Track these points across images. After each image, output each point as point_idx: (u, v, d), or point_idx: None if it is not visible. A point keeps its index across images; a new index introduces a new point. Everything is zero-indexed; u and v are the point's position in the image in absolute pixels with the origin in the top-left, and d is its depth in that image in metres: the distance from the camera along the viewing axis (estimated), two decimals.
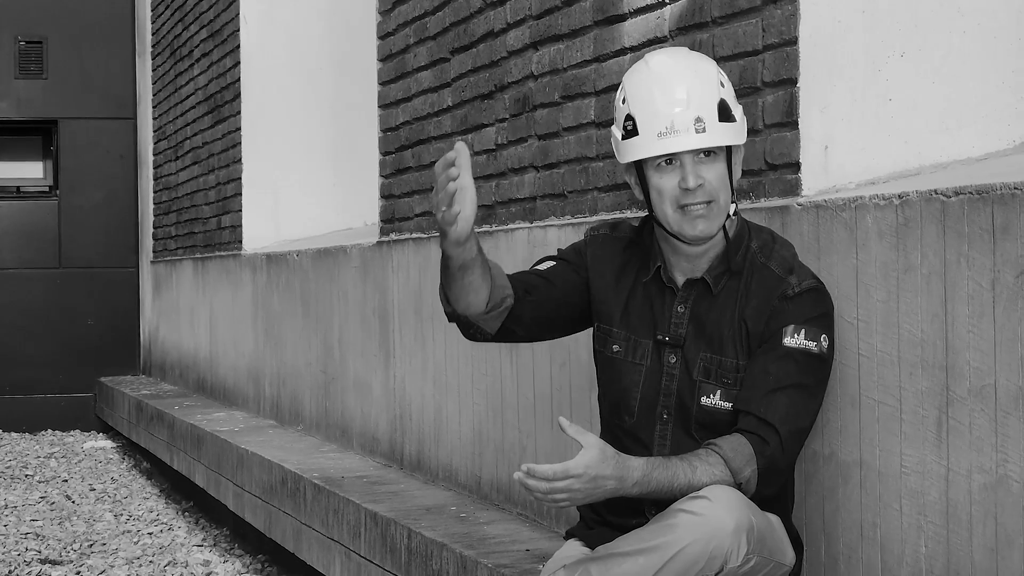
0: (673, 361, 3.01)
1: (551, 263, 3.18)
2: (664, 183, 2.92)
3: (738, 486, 2.83)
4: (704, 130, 2.87)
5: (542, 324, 3.18)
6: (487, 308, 3.04)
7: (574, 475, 2.74)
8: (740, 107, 3.00)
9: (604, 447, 2.78)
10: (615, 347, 3.09)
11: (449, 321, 3.13)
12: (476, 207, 2.84)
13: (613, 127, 3.03)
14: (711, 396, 2.97)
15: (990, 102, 3.38)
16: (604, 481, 2.77)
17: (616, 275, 3.13)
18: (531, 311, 3.12)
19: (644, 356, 3.05)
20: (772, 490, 2.91)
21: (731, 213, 2.98)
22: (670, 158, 2.91)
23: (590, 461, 2.75)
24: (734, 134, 2.93)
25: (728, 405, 2.95)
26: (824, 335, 2.92)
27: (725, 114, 2.91)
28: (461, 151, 2.79)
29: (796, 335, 2.89)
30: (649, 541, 2.76)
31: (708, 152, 2.91)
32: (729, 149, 2.96)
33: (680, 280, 3.05)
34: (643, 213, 3.75)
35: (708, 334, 2.99)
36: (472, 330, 3.10)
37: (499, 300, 3.05)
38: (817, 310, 2.93)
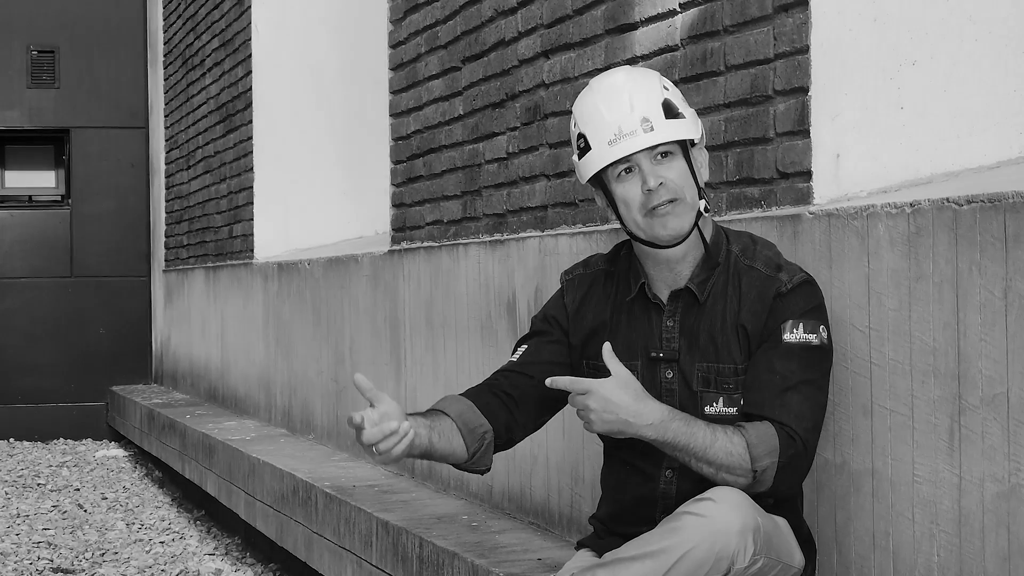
0: (670, 376, 3.02)
1: (524, 346, 3.20)
2: (627, 191, 2.96)
3: (753, 473, 2.82)
4: (652, 129, 2.92)
5: (541, 412, 3.20)
6: (470, 455, 3.09)
7: (590, 391, 2.81)
8: (691, 108, 3.03)
9: (630, 381, 2.84)
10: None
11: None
12: (406, 442, 2.91)
13: (573, 156, 3.07)
14: (714, 404, 2.97)
15: (1002, 110, 3.38)
16: (617, 409, 2.81)
17: (595, 309, 3.15)
18: (525, 409, 3.15)
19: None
20: (789, 489, 2.90)
21: (702, 210, 2.99)
22: (629, 167, 2.95)
23: (607, 385, 2.81)
24: (684, 129, 2.96)
25: (732, 411, 2.95)
26: (822, 326, 2.93)
27: (671, 112, 2.95)
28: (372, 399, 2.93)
29: (795, 330, 2.90)
30: (655, 544, 2.76)
31: (665, 153, 2.94)
32: (686, 148, 2.97)
33: (665, 294, 3.05)
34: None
35: (702, 344, 2.99)
36: (472, 472, 3.17)
37: (479, 439, 3.08)
38: (811, 303, 2.94)
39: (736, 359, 2.96)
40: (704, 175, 3.04)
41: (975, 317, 2.74)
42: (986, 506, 2.73)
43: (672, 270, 3.03)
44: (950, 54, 3.34)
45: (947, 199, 2.82)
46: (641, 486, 3.04)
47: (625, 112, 2.93)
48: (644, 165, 2.93)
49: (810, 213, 3.23)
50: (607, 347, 2.86)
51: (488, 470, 3.18)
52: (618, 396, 2.80)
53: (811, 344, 2.89)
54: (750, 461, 2.81)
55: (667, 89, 2.99)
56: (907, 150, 3.31)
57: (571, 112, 4.31)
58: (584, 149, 2.99)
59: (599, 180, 3.02)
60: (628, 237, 3.08)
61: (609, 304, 3.12)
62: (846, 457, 3.11)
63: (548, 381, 2.86)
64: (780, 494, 2.89)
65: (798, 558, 2.94)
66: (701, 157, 3.04)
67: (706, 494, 2.79)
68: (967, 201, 2.77)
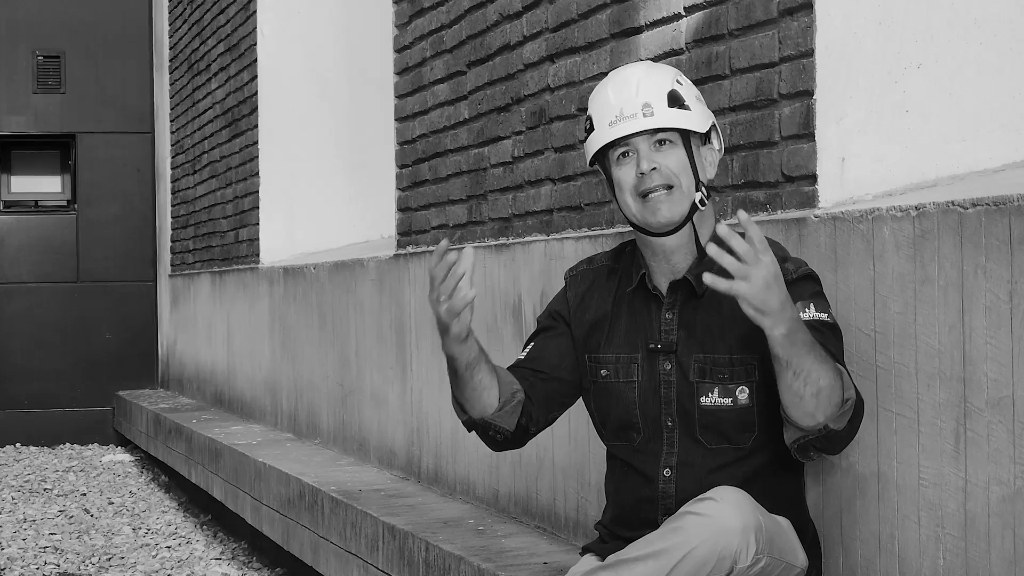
0: (668, 368, 3.02)
1: (531, 344, 3.21)
2: (623, 174, 3.00)
3: (844, 402, 2.75)
4: (652, 114, 2.96)
5: (551, 407, 3.18)
6: (500, 405, 3.07)
7: (768, 252, 2.62)
8: (704, 107, 3.03)
9: None
10: (603, 372, 3.11)
11: (468, 431, 3.16)
12: (472, 309, 2.88)
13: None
14: (709, 395, 2.97)
15: (1007, 113, 3.38)
16: (780, 285, 2.63)
17: (597, 303, 3.16)
18: (536, 402, 3.14)
19: (635, 371, 3.06)
20: (847, 439, 2.83)
21: (698, 202, 2.98)
22: (627, 151, 2.99)
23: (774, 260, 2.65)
24: (686, 119, 2.97)
25: (727, 401, 2.95)
26: (829, 307, 2.93)
27: (676, 102, 2.97)
28: (467, 256, 2.90)
29: (808, 309, 2.90)
30: (657, 545, 2.77)
31: (664, 141, 2.97)
32: (688, 140, 2.98)
33: (664, 285, 3.06)
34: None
35: (699, 336, 3.00)
36: (491, 431, 3.11)
37: (510, 395, 3.07)
38: (816, 288, 2.95)
39: (732, 349, 2.95)
40: (709, 173, 3.05)
41: (980, 320, 2.74)
42: (992, 509, 2.73)
43: (669, 261, 3.04)
44: (955, 57, 3.34)
45: (952, 202, 2.82)
46: (641, 487, 3.05)
47: (630, 96, 2.97)
48: (641, 149, 2.97)
49: (815, 216, 3.23)
50: (743, 214, 2.64)
51: (509, 433, 3.10)
52: (778, 273, 2.64)
53: (827, 321, 2.89)
54: (843, 388, 2.76)
55: (680, 83, 3.01)
56: (912, 153, 3.31)
57: (576, 115, 4.34)
58: (589, 130, 3.04)
59: (604, 166, 3.06)
60: (631, 235, 3.08)
61: (611, 297, 3.14)
62: (852, 460, 3.11)
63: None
64: (837, 447, 2.83)
65: (801, 558, 2.94)
66: (709, 156, 3.05)
67: (708, 494, 2.80)
68: (972, 204, 2.77)
